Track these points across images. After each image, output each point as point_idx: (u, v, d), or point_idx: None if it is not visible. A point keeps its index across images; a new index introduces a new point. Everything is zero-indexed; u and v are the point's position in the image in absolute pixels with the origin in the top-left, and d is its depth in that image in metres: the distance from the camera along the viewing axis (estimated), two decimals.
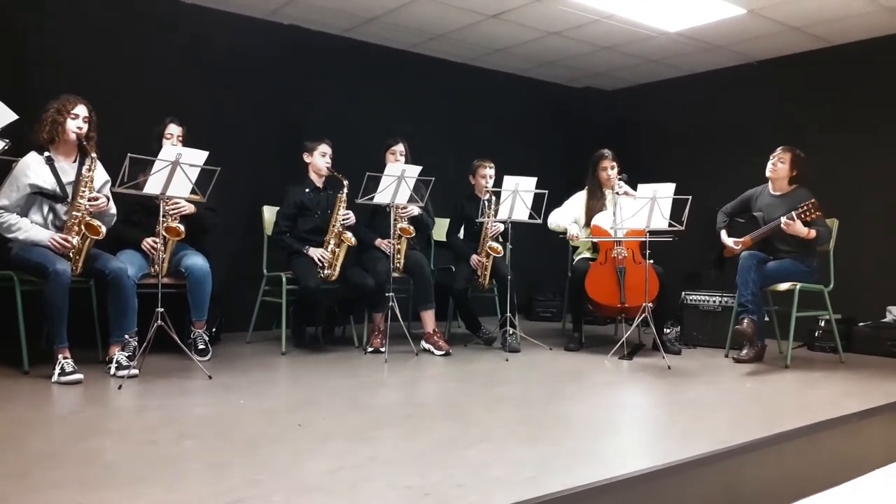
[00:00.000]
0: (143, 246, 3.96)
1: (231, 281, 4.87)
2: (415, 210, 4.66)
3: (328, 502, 1.94)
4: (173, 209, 3.91)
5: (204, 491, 1.99)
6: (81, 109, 3.60)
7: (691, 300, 5.21)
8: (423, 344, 4.57)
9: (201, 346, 4.05)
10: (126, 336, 3.65)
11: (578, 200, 5.07)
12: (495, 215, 4.76)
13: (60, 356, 3.37)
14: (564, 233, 4.97)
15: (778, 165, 4.55)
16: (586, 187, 5.06)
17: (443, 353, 4.45)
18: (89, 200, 3.56)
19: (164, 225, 3.76)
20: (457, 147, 5.96)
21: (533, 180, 4.68)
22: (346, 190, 4.50)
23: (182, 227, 3.84)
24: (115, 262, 3.66)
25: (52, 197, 3.58)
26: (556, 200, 5.04)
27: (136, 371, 3.48)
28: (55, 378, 3.32)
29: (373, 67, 5.97)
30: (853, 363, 4.52)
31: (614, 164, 4.97)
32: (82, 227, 3.53)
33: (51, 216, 3.62)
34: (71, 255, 3.53)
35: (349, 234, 4.45)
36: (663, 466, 2.26)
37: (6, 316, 3.60)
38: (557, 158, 6.84)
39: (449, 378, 3.98)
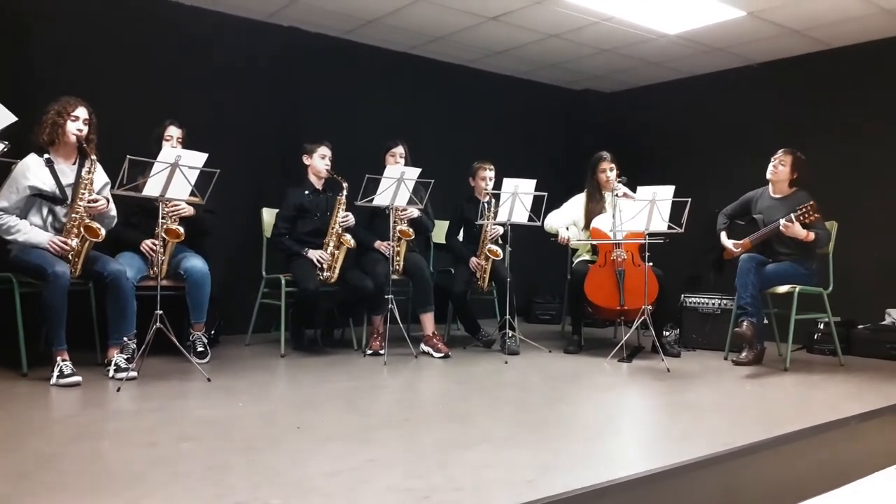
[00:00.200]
0: (142, 248, 3.96)
1: (230, 283, 4.86)
2: (414, 212, 4.66)
3: None
4: (172, 211, 3.91)
5: (203, 493, 1.99)
6: (82, 111, 3.59)
7: (691, 303, 5.21)
8: (423, 346, 4.56)
9: (200, 349, 4.05)
10: (125, 338, 3.64)
11: (577, 203, 5.07)
12: (495, 217, 4.76)
13: (59, 358, 3.36)
14: (556, 235, 4.97)
15: (779, 168, 4.54)
16: (585, 190, 5.06)
17: (442, 355, 4.45)
18: (88, 203, 3.56)
19: (164, 227, 3.75)
20: (456, 149, 5.96)
21: (532, 182, 4.68)
22: (345, 192, 4.50)
23: (181, 230, 3.84)
24: (114, 265, 3.66)
25: (52, 199, 3.58)
26: (556, 202, 5.05)
27: (134, 373, 3.47)
28: (54, 380, 3.32)
29: (372, 69, 5.98)
30: (852, 366, 4.52)
31: (613, 166, 4.97)
32: (81, 229, 3.53)
33: (50, 218, 3.61)
34: (70, 257, 3.53)
35: (348, 237, 4.45)
36: (663, 469, 2.26)
37: (5, 318, 3.60)
38: (557, 161, 6.85)
39: (448, 380, 3.98)
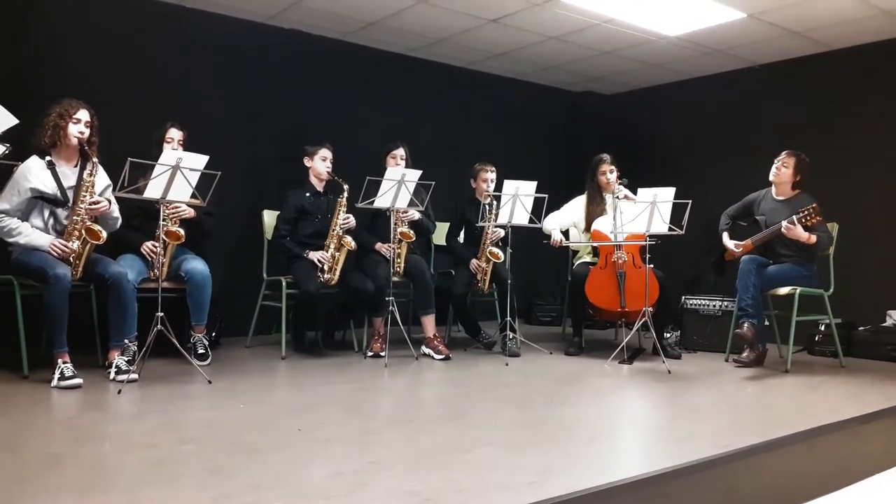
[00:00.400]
0: (142, 250, 3.96)
1: (231, 285, 4.86)
2: (415, 214, 4.66)
3: None
4: (173, 213, 3.91)
5: (203, 496, 1.99)
6: (83, 114, 3.59)
7: (691, 304, 5.21)
8: (423, 348, 4.56)
9: (201, 351, 4.05)
10: (126, 340, 3.65)
11: (578, 205, 5.07)
12: (496, 219, 4.76)
13: (60, 361, 3.36)
14: (550, 237, 4.97)
15: (782, 170, 4.54)
16: (586, 192, 5.06)
17: (443, 357, 4.45)
18: (90, 205, 3.56)
19: (164, 229, 3.76)
20: (457, 151, 5.97)
21: (533, 184, 4.68)
22: (346, 194, 4.50)
23: (182, 231, 3.84)
24: (115, 267, 3.66)
25: (53, 201, 3.58)
26: (556, 205, 5.05)
27: (135, 376, 3.47)
28: (55, 383, 3.32)
29: (373, 71, 5.98)
30: (853, 367, 4.52)
31: (613, 168, 4.97)
32: (83, 231, 3.53)
33: (51, 221, 3.61)
34: (71, 259, 3.53)
35: (349, 238, 4.45)
36: (664, 471, 2.26)
37: (6, 320, 3.59)
38: (557, 162, 6.85)
39: (449, 382, 3.98)
